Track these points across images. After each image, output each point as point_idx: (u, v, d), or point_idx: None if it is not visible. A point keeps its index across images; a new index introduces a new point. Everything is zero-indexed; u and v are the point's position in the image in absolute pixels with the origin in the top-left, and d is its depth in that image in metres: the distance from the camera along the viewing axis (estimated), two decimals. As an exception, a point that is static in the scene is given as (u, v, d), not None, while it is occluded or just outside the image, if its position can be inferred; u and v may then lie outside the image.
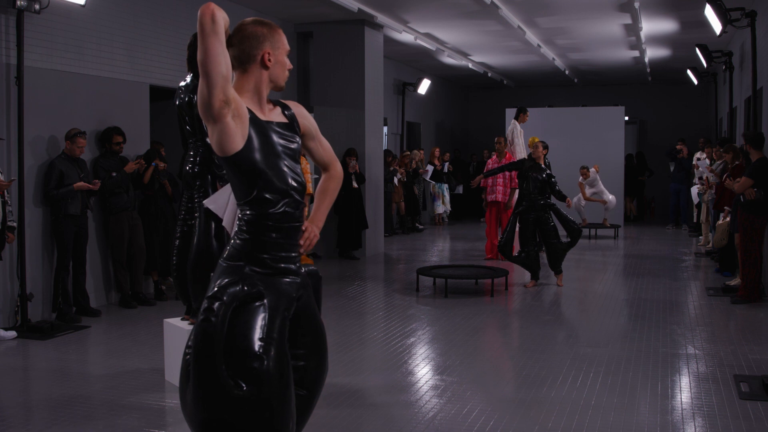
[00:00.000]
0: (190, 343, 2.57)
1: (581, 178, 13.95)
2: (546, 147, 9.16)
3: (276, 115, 2.73)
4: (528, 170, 8.80)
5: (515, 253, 9.00)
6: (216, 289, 2.57)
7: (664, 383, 5.17)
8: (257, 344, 2.52)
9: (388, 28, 11.72)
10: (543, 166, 8.90)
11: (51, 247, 7.16)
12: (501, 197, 10.88)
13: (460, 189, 17.41)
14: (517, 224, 8.85)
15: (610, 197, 14.18)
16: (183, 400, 2.61)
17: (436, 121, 19.47)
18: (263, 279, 2.62)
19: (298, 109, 2.85)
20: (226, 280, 2.59)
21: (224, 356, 2.50)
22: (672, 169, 15.29)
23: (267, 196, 2.61)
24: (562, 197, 8.95)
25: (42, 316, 7.04)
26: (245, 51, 2.63)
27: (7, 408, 4.78)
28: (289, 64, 2.74)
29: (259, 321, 2.56)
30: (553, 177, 8.81)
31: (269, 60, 2.65)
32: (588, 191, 14.01)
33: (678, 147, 14.77)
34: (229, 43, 2.60)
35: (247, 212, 2.64)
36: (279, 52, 2.68)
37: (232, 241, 2.67)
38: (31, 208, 6.96)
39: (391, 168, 13.97)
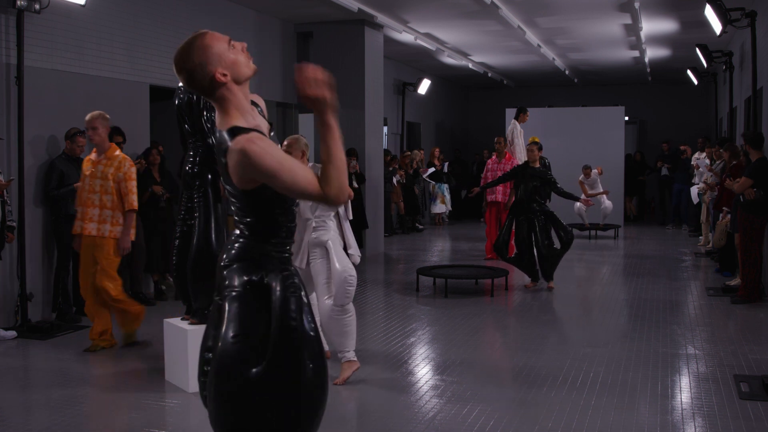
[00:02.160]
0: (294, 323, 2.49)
1: (582, 176, 13.93)
2: (540, 148, 9.08)
3: (262, 121, 2.60)
4: (523, 179, 8.72)
5: (512, 254, 8.99)
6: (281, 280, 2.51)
7: (664, 383, 5.17)
8: (310, 327, 2.52)
9: (388, 28, 11.72)
10: (540, 168, 8.82)
11: (51, 247, 7.16)
12: (501, 197, 10.88)
13: (464, 193, 17.18)
14: (513, 226, 8.83)
15: (607, 203, 14.18)
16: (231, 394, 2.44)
17: (436, 121, 19.47)
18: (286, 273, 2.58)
19: (261, 104, 2.81)
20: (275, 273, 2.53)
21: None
22: (662, 171, 15.33)
23: (278, 210, 2.54)
24: (572, 197, 8.88)
25: (42, 316, 7.04)
26: (203, 85, 2.46)
27: (7, 408, 4.77)
28: (242, 51, 2.52)
29: (305, 307, 2.53)
30: (553, 179, 8.74)
31: (224, 75, 2.45)
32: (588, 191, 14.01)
33: (681, 147, 14.78)
34: (190, 85, 2.51)
35: (253, 220, 2.55)
36: (224, 57, 2.45)
37: (237, 244, 2.55)
38: (31, 208, 6.96)
39: (390, 168, 13.96)
